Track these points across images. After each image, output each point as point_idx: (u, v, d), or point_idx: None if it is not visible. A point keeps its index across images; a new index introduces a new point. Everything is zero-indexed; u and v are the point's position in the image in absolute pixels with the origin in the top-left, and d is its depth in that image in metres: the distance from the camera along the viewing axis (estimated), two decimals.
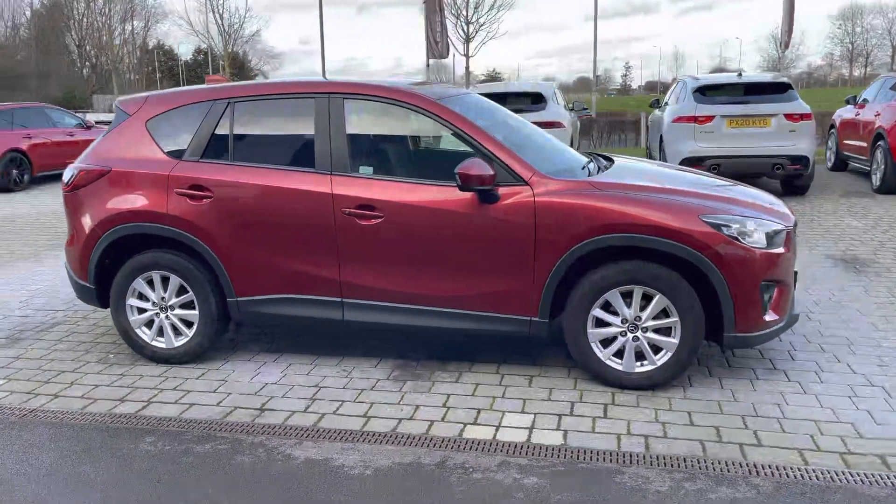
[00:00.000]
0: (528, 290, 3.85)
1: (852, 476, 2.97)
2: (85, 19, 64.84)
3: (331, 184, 3.99)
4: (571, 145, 10.43)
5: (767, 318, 3.78)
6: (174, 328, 4.34)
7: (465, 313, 3.96)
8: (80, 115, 15.12)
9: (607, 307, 3.81)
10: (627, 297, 3.77)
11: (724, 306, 3.70)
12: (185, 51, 75.64)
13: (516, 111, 9.77)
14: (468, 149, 3.96)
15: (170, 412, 3.74)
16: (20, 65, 56.76)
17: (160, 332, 4.36)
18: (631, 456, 3.17)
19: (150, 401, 3.89)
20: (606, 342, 3.85)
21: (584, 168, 4.28)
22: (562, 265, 3.77)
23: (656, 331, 3.78)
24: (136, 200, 4.23)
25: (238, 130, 4.24)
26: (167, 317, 4.33)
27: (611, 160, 4.68)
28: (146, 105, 4.44)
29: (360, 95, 4.12)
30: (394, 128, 4.22)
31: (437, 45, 18.21)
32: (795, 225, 4.10)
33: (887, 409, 3.55)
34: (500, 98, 10.25)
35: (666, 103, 10.99)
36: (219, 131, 4.24)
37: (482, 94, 10.37)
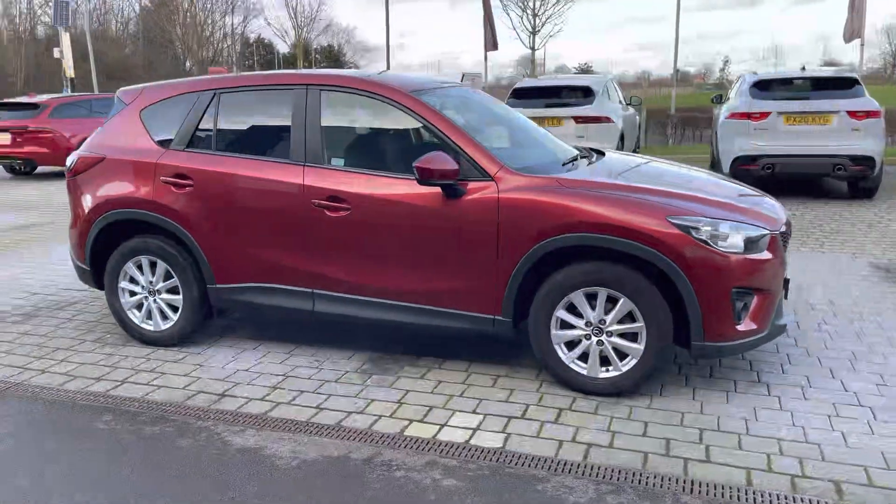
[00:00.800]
0: (492, 289, 3.76)
1: (793, 502, 2.75)
2: (188, 14, 67.80)
3: (303, 175, 4.02)
4: (622, 141, 10.17)
5: (742, 327, 3.55)
6: (161, 312, 4.48)
7: (431, 309, 3.90)
8: None
9: (572, 309, 3.67)
10: (593, 299, 3.63)
11: (690, 313, 3.50)
12: (282, 45, 77.68)
13: (561, 105, 9.64)
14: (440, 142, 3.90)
15: (137, 393, 3.86)
16: (128, 58, 60.03)
17: (149, 315, 4.51)
18: (564, 464, 3.05)
19: (125, 381, 4.03)
20: (572, 345, 3.72)
21: (565, 164, 4.14)
22: (524, 264, 3.66)
23: (622, 335, 3.62)
24: (126, 187, 4.39)
25: (222, 121, 4.33)
26: (155, 301, 4.47)
27: (603, 155, 4.52)
28: (141, 95, 4.59)
29: (335, 87, 4.12)
30: (366, 120, 4.20)
31: (490, 38, 18.13)
32: (787, 230, 3.83)
33: (865, 432, 3.28)
34: (545, 92, 10.11)
35: (727, 99, 10.51)
36: (204, 121, 4.34)
37: (528, 88, 10.32)
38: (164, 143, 4.39)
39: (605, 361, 3.67)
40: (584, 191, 3.64)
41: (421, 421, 3.48)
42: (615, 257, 3.57)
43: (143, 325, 4.53)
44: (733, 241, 3.51)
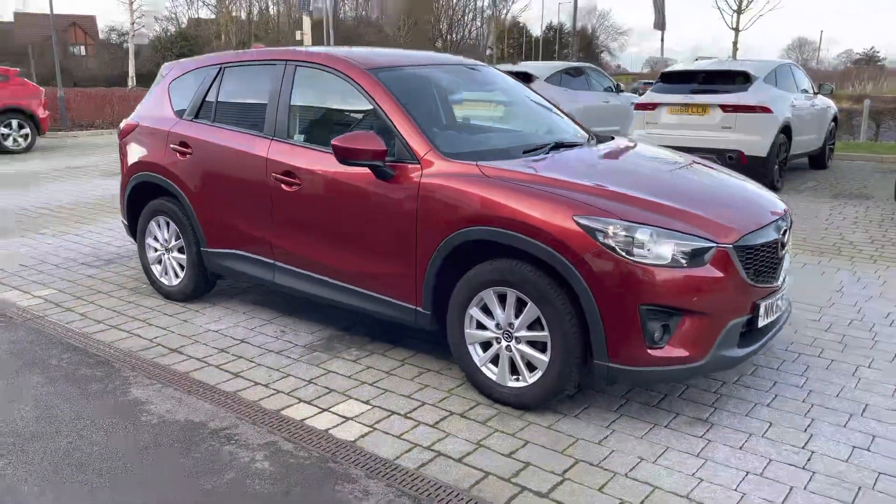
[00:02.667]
0: (412, 278, 3.58)
1: None
2: None
3: (268, 149, 4.11)
4: (788, 136, 8.99)
5: (660, 353, 3.02)
6: (174, 269, 4.86)
7: (363, 293, 3.81)
8: None
9: (487, 308, 3.38)
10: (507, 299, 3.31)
11: (591, 328, 3.06)
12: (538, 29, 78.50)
13: (709, 92, 8.72)
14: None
15: (112, 337, 4.25)
16: (388, 39, 64.60)
17: (166, 271, 4.93)
18: (390, 470, 2.84)
19: (117, 326, 4.45)
20: (487, 347, 3.43)
21: (530, 151, 3.78)
22: (438, 255, 3.44)
23: (531, 344, 3.26)
24: (148, 152, 4.81)
25: (222, 94, 4.55)
26: (168, 258, 4.87)
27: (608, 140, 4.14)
28: (174, 69, 4.98)
29: (306, 64, 4.14)
30: (327, 96, 4.14)
31: (660, 18, 16.69)
32: (738, 243, 3.14)
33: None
34: (695, 77, 9.23)
35: None
36: (209, 94, 4.60)
37: (676, 72, 9.42)
38: (179, 114, 4.74)
39: (516, 369, 3.34)
40: (500, 181, 3.30)
41: (308, 402, 3.44)
42: (526, 256, 3.21)
43: (161, 280, 4.95)
44: (658, 250, 2.98)
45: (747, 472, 2.83)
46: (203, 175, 4.47)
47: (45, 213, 7.95)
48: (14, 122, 13.66)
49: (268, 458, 2.92)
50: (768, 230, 3.30)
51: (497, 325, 3.34)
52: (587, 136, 4.42)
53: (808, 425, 3.20)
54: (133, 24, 36.53)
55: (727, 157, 8.80)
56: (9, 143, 13.59)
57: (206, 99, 4.60)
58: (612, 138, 4.47)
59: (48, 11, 19.27)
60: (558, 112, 4.68)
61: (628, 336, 3.01)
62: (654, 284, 2.97)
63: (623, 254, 2.97)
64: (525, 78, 10.85)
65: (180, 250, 4.78)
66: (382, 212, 3.62)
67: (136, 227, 5.09)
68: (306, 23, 26.47)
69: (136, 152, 4.90)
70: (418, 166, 3.52)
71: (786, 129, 9.12)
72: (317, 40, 28.69)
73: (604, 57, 77.69)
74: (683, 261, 3.00)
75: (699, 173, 3.82)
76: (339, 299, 3.94)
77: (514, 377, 3.34)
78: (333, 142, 3.52)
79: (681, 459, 2.93)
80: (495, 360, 3.39)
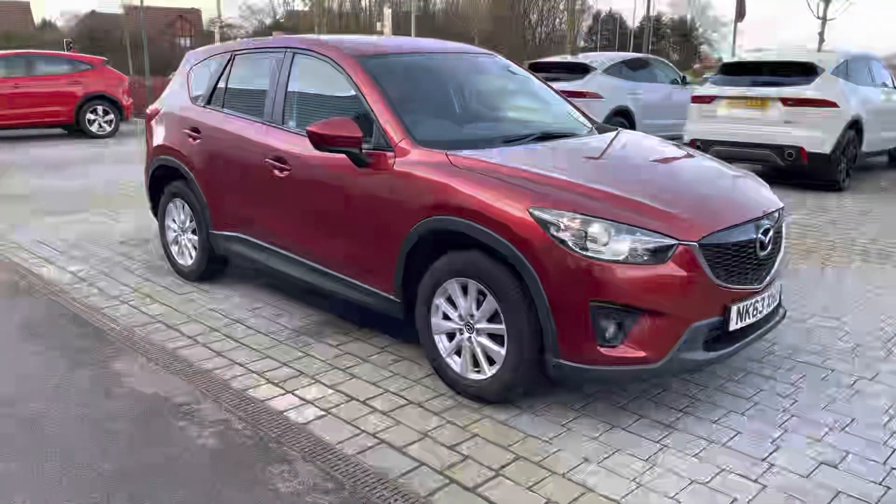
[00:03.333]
0: (386, 266, 3.58)
1: None
2: None
3: (265, 134, 4.19)
4: (858, 133, 8.49)
5: (614, 352, 2.92)
6: (188, 250, 5.04)
7: (344, 279, 3.85)
8: None
9: (452, 299, 3.35)
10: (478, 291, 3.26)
11: (542, 323, 2.98)
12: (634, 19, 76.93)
13: (770, 84, 8.32)
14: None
15: (118, 313, 4.43)
16: (476, 32, 64.56)
17: (181, 252, 5.11)
18: (327, 453, 2.86)
19: (126, 302, 4.65)
20: (453, 337, 3.40)
21: (512, 141, 3.70)
22: (407, 244, 3.42)
23: (491, 336, 3.21)
24: (166, 137, 4.99)
25: (231, 80, 4.67)
26: (184, 239, 5.05)
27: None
28: (194, 56, 5.14)
29: (302, 51, 4.19)
30: (320, 83, 4.16)
31: (739, 8, 15.82)
32: (703, 241, 2.97)
33: None
34: (756, 68, 8.83)
35: None
36: (220, 81, 4.73)
37: (737, 63, 9.00)
38: (195, 99, 4.89)
39: (479, 362, 3.29)
40: (465, 171, 3.25)
41: (275, 384, 3.50)
42: (486, 247, 3.16)
43: (178, 260, 5.14)
44: (614, 246, 2.87)
45: (692, 481, 2.70)
46: (210, 159, 4.61)
47: (111, 193, 8.38)
48: (100, 109, 14.46)
49: (215, 436, 2.99)
50: (745, 229, 3.12)
51: (460, 317, 3.30)
52: (587, 126, 4.29)
53: (778, 437, 3.02)
54: (220, 16, 37.89)
55: (786, 154, 8.36)
56: (94, 128, 14.40)
57: (218, 85, 4.73)
58: (616, 130, 4.32)
59: (157, 5, 20.22)
60: (564, 103, 4.56)
61: (578, 333, 2.91)
62: (605, 281, 2.86)
63: (574, 248, 2.87)
64: (581, 70, 10.64)
65: (194, 232, 4.95)
66: (359, 199, 3.64)
67: (157, 209, 5.30)
68: (387, 14, 26.81)
69: (157, 136, 5.10)
70: (393, 154, 3.51)
71: (856, 125, 8.57)
72: (405, 33, 29.01)
73: (704, 49, 75.20)
74: (641, 258, 2.88)
75: (685, 168, 3.65)
76: (324, 285, 3.98)
77: (476, 369, 3.29)
78: (308, 128, 3.56)
79: (627, 463, 2.82)
80: (459, 352, 3.36)
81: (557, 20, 74.22)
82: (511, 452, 2.90)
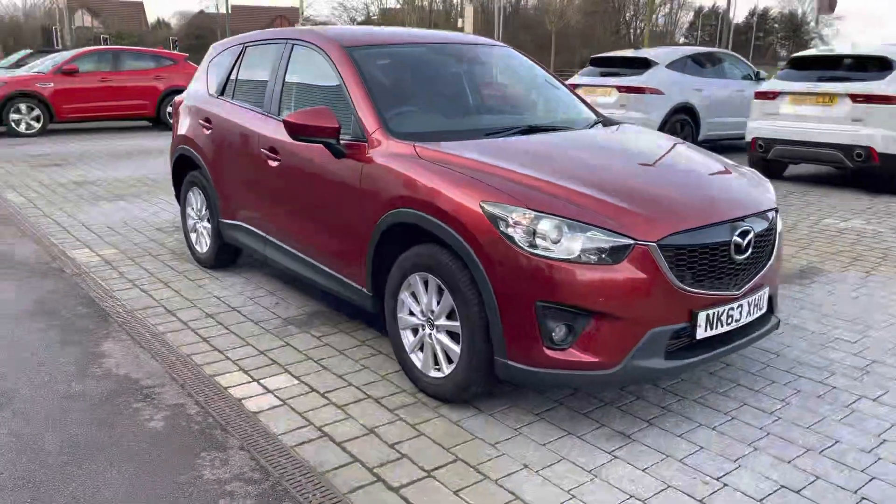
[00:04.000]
0: (358, 259, 3.54)
1: None
2: None
3: (263, 125, 4.23)
4: None
5: (561, 355, 2.77)
6: (204, 237, 5.17)
7: (326, 271, 3.84)
8: None
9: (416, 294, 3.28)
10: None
11: (490, 322, 2.86)
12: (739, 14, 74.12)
13: (839, 79, 7.80)
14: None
15: (128, 296, 4.59)
16: (569, 28, 63.65)
17: (198, 239, 5.24)
18: (266, 444, 2.85)
19: (139, 286, 4.81)
20: (417, 332, 3.33)
21: (492, 134, 3.59)
22: (375, 236, 3.38)
23: (449, 334, 3.12)
24: (185, 127, 5.13)
25: (241, 72, 4.74)
26: (201, 227, 5.18)
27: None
28: (214, 49, 5.25)
29: (300, 42, 4.19)
30: (314, 73, 4.13)
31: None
32: (663, 242, 2.78)
33: None
34: (825, 63, 8.29)
35: None
36: (233, 72, 4.81)
37: (807, 58, 8.46)
38: (210, 91, 5.00)
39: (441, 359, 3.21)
40: (429, 163, 3.17)
41: (245, 371, 3.52)
42: (443, 242, 3.07)
43: (196, 247, 5.27)
44: (566, 244, 2.73)
45: (630, 496, 2.53)
46: (218, 149, 4.70)
47: (167, 182, 8.73)
48: None
49: (165, 419, 3.04)
50: (717, 230, 2.90)
51: (422, 312, 3.23)
52: (589, 120, 4.11)
53: (744, 455, 2.79)
54: (302, 13, 38.79)
55: (855, 154, 7.79)
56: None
57: (230, 77, 4.82)
58: (618, 125, 4.12)
59: (261, 4, 20.97)
60: (568, 96, 4.38)
61: (525, 334, 2.79)
62: (553, 281, 2.72)
63: (522, 245, 2.75)
64: (642, 64, 10.28)
65: (209, 220, 5.07)
66: (336, 190, 3.62)
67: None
68: (468, 10, 26.79)
69: (180, 126, 5.24)
70: (366, 145, 3.47)
71: None
72: (487, 31, 28.94)
73: (815, 44, 71.56)
74: (593, 257, 2.72)
75: (668, 165, 3.44)
76: (309, 276, 3.99)
77: (437, 367, 3.21)
78: (285, 118, 3.56)
79: (567, 473, 2.68)
80: (423, 348, 3.28)
81: (655, 14, 72.12)
82: (451, 454, 2.80)
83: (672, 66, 10.36)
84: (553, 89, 4.40)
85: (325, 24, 54.12)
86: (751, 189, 3.28)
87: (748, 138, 8.80)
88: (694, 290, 2.83)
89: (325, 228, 3.75)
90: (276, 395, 3.28)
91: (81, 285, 4.78)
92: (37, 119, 13.55)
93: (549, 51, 52.96)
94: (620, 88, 10.17)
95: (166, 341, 3.87)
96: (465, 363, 3.01)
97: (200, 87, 5.15)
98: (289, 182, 3.99)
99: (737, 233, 2.93)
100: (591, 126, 4.03)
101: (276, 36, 4.53)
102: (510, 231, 2.77)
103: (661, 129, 10.05)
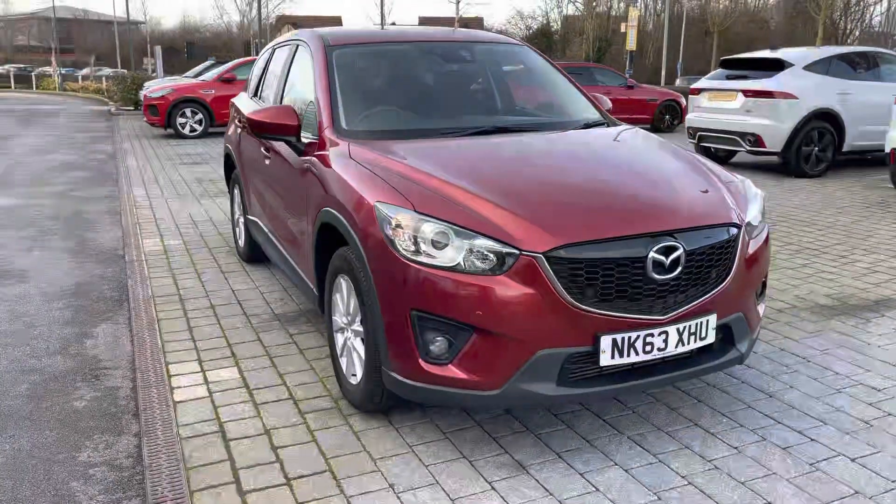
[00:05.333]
0: (307, 258, 3.51)
1: None
2: None
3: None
4: None
5: (438, 370, 2.56)
6: (243, 232, 5.39)
7: (294, 268, 3.84)
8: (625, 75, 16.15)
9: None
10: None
11: (375, 329, 2.70)
12: None
13: None
14: None
15: (160, 283, 4.87)
16: (756, 30, 59.50)
17: (240, 234, 5.47)
18: (161, 432, 2.88)
19: (175, 275, 5.07)
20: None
21: (449, 133, 3.40)
22: (314, 236, 3.32)
23: (363, 339, 2.99)
24: (230, 127, 5.38)
25: (268, 72, 4.88)
26: (241, 223, 5.40)
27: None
28: (262, 51, 5.44)
29: (301, 42, 4.21)
30: (304, 73, 4.08)
31: None
32: (551, 253, 2.45)
33: None
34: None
35: None
36: (263, 73, 4.96)
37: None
38: (248, 91, 5.20)
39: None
40: (353, 162, 3.06)
41: (202, 362, 3.59)
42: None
43: (238, 241, 5.51)
44: (449, 251, 2.52)
45: None
46: (242, 148, 4.88)
47: None
48: None
49: (91, 400, 3.19)
50: (628, 244, 2.52)
51: (344, 315, 3.12)
52: (586, 121, 3.77)
53: (661, 491, 2.41)
54: (457, 19, 39.22)
55: None
56: None
57: (261, 77, 4.98)
58: (620, 128, 3.74)
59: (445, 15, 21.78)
60: (571, 97, 4.03)
61: (402, 344, 2.60)
62: (427, 289, 2.51)
63: (401, 248, 2.57)
64: (775, 66, 9.33)
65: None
66: (295, 188, 3.62)
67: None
68: (632, 14, 25.83)
69: (228, 127, 5.51)
70: (318, 143, 3.42)
71: None
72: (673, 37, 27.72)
73: None
74: (477, 267, 2.48)
75: (608, 171, 3.06)
76: (289, 274, 4.01)
77: (354, 373, 3.09)
78: (247, 115, 3.60)
79: (429, 500, 2.45)
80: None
81: (869, 14, 65.52)
82: (326, 465, 2.67)
83: (812, 67, 9.28)
84: (555, 90, 4.09)
85: (500, 32, 54.81)
86: (697, 201, 2.82)
87: (887, 149, 7.68)
88: (597, 310, 2.49)
89: (291, 226, 3.76)
90: (208, 388, 3.32)
91: (126, 271, 5.16)
92: (199, 122, 14.87)
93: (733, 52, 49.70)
94: (746, 93, 9.28)
95: (155, 328, 4.06)
96: (367, 370, 2.86)
97: (247, 89, 5.37)
98: (273, 180, 4.04)
99: (655, 248, 2.53)
100: (581, 128, 3.69)
101: (292, 37, 4.61)
102: (391, 233, 2.60)
103: (794, 138, 9.05)
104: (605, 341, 2.50)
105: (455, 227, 2.52)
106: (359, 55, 3.87)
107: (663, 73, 33.76)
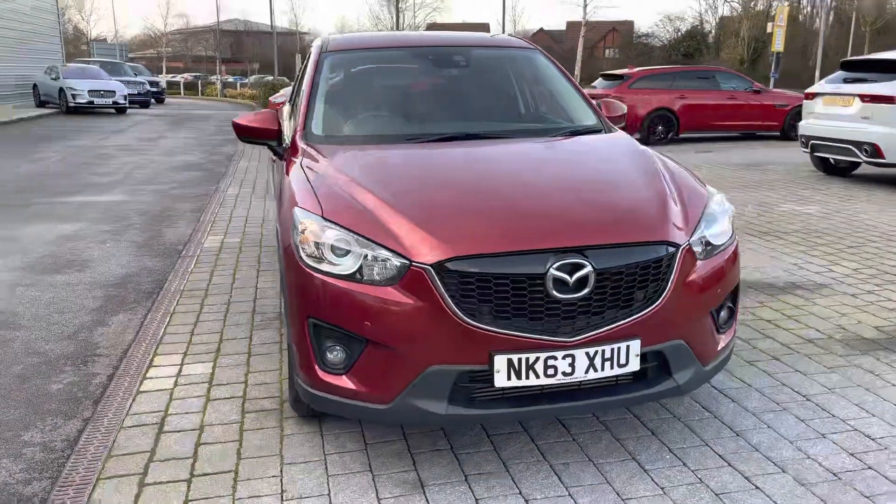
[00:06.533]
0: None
1: None
2: None
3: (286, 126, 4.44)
4: None
5: (333, 379, 2.52)
6: None
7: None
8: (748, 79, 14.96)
9: None
10: None
11: (290, 336, 2.70)
12: None
13: None
14: None
15: (198, 277, 5.13)
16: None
17: None
18: (110, 419, 3.03)
19: (214, 270, 5.33)
20: None
21: (415, 139, 3.34)
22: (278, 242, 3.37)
23: None
24: None
25: (301, 78, 5.00)
26: None
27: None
28: None
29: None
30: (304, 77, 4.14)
31: None
32: (439, 264, 2.31)
33: None
34: None
35: None
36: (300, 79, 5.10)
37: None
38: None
39: None
40: (298, 168, 3.07)
41: (184, 355, 3.74)
42: None
43: None
44: (347, 259, 2.47)
45: None
46: None
47: None
48: None
49: (67, 384, 3.40)
50: (525, 259, 2.34)
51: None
52: (565, 129, 3.57)
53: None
54: (603, 27, 38.12)
55: None
56: None
57: (298, 83, 5.12)
58: (614, 135, 3.51)
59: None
60: (576, 105, 3.81)
61: (303, 352, 2.57)
62: (320, 297, 2.47)
63: (302, 254, 2.55)
64: (884, 67, 8.38)
65: None
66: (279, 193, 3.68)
67: None
68: (781, 13, 24.05)
69: None
70: (289, 148, 3.47)
71: None
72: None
73: None
74: (371, 277, 2.42)
75: (539, 179, 2.86)
76: None
77: None
78: (233, 120, 3.71)
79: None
80: None
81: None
82: (232, 465, 2.69)
83: None
84: (552, 96, 3.89)
85: (647, 35, 52.97)
86: (624, 217, 2.56)
87: None
88: (491, 327, 2.34)
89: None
90: (175, 380, 3.44)
91: (173, 265, 5.47)
92: None
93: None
94: (863, 97, 8.39)
95: (165, 321, 4.28)
96: (289, 377, 2.87)
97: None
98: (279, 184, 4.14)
99: (556, 265, 2.34)
100: (566, 135, 3.49)
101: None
102: (297, 238, 2.58)
103: None
104: (500, 361, 2.34)
105: (356, 235, 2.47)
106: (348, 61, 3.89)
107: (817, 74, 31.20)
